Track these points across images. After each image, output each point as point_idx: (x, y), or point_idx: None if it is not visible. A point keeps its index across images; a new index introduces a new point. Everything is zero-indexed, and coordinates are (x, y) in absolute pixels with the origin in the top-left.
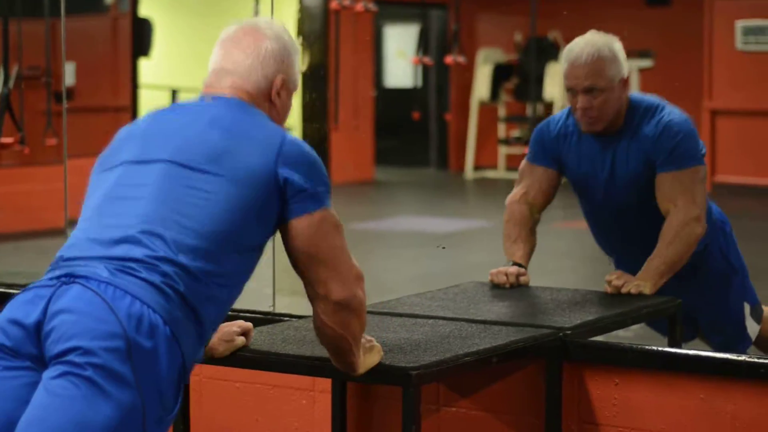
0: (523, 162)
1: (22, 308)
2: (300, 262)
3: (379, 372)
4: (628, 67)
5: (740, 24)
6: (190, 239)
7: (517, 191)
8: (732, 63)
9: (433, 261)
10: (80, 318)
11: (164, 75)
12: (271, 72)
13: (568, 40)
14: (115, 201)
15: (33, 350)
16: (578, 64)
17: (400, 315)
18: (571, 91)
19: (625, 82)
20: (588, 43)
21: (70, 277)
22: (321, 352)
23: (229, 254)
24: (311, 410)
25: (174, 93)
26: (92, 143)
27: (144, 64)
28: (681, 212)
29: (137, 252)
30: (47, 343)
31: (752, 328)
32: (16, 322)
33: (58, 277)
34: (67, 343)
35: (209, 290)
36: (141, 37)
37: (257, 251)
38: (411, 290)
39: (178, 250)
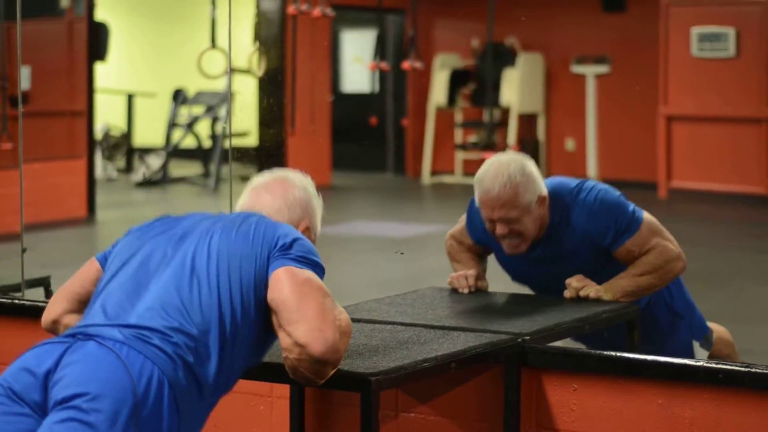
0: (462, 220)
1: (35, 358)
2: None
3: (338, 378)
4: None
5: (696, 30)
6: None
7: (456, 236)
8: (688, 69)
9: (391, 266)
10: (92, 368)
11: (120, 79)
12: (297, 217)
13: (525, 46)
14: (139, 282)
15: (37, 397)
16: (491, 196)
17: (359, 320)
18: (487, 219)
19: (543, 200)
20: (498, 172)
21: (86, 336)
22: (279, 358)
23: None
24: (269, 416)
25: (130, 97)
26: (48, 147)
27: (100, 69)
28: (660, 250)
29: (153, 322)
30: (54, 390)
31: (703, 356)
32: (27, 370)
33: (73, 335)
34: (75, 389)
35: (213, 370)
36: (97, 41)
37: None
38: (369, 296)
39: (192, 325)
